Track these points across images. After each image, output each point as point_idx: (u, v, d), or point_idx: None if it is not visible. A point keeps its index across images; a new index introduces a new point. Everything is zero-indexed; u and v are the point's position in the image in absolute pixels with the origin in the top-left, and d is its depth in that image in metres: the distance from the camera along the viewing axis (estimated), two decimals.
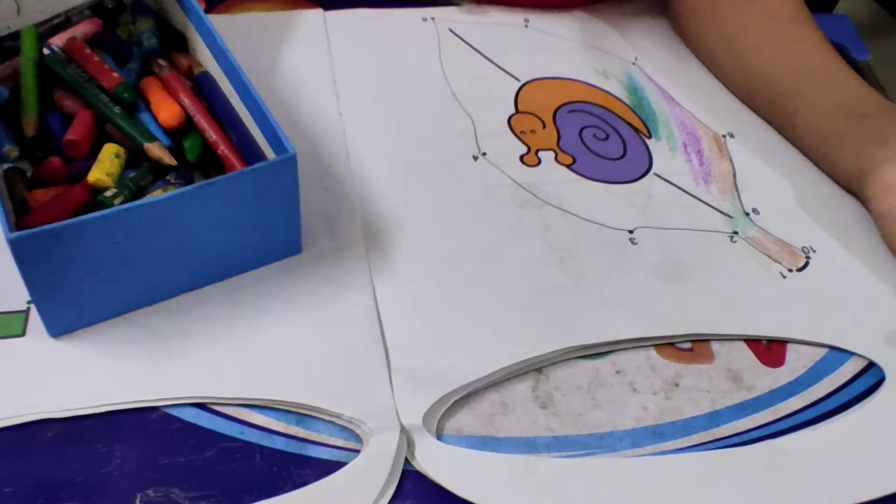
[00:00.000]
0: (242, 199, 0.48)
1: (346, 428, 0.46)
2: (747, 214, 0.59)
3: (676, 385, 0.50)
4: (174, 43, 0.60)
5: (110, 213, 0.44)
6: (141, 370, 0.47)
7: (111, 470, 0.44)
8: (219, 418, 0.46)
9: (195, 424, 0.46)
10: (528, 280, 0.54)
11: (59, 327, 0.48)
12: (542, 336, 0.50)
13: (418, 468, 0.45)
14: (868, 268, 0.56)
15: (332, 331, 0.50)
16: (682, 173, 0.62)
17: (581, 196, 0.59)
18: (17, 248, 0.43)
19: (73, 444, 0.45)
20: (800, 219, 0.59)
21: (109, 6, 0.61)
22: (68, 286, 0.46)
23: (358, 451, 0.45)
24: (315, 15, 0.70)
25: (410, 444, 0.46)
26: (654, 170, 0.62)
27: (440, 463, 0.45)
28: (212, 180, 0.46)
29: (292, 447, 0.46)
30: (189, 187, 0.46)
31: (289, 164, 0.48)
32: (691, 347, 0.52)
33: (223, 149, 0.52)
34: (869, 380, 0.51)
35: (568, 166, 0.61)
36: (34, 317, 0.48)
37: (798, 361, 0.52)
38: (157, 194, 0.49)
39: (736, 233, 0.58)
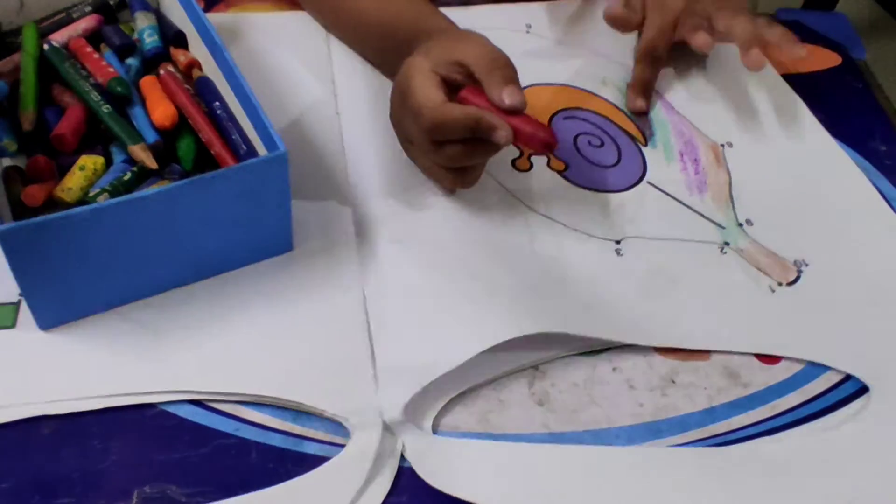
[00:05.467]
0: (234, 196, 0.48)
1: (341, 425, 0.46)
2: (740, 225, 0.58)
3: (673, 382, 0.50)
4: (173, 39, 0.60)
5: (101, 207, 0.44)
6: (130, 364, 0.47)
7: (108, 466, 0.44)
8: (215, 415, 0.46)
9: (191, 421, 0.46)
10: (516, 283, 0.53)
11: (49, 320, 0.48)
12: (529, 343, 0.49)
13: (412, 465, 0.45)
14: (860, 283, 0.55)
15: (319, 328, 0.50)
16: (675, 182, 0.61)
17: (570, 203, 0.58)
18: (6, 240, 0.43)
19: (70, 440, 0.45)
20: (795, 231, 0.58)
21: (111, 3, 0.61)
22: (58, 279, 0.46)
23: None
24: None
25: (404, 441, 0.45)
26: (647, 178, 0.61)
27: (433, 460, 0.45)
28: (203, 175, 0.46)
29: (288, 444, 0.46)
30: (181, 182, 0.46)
31: (280, 161, 0.48)
32: None
33: (217, 148, 0.52)
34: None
35: (560, 172, 0.61)
36: (25, 309, 0.48)
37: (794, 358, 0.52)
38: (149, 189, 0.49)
39: (727, 244, 0.57)
